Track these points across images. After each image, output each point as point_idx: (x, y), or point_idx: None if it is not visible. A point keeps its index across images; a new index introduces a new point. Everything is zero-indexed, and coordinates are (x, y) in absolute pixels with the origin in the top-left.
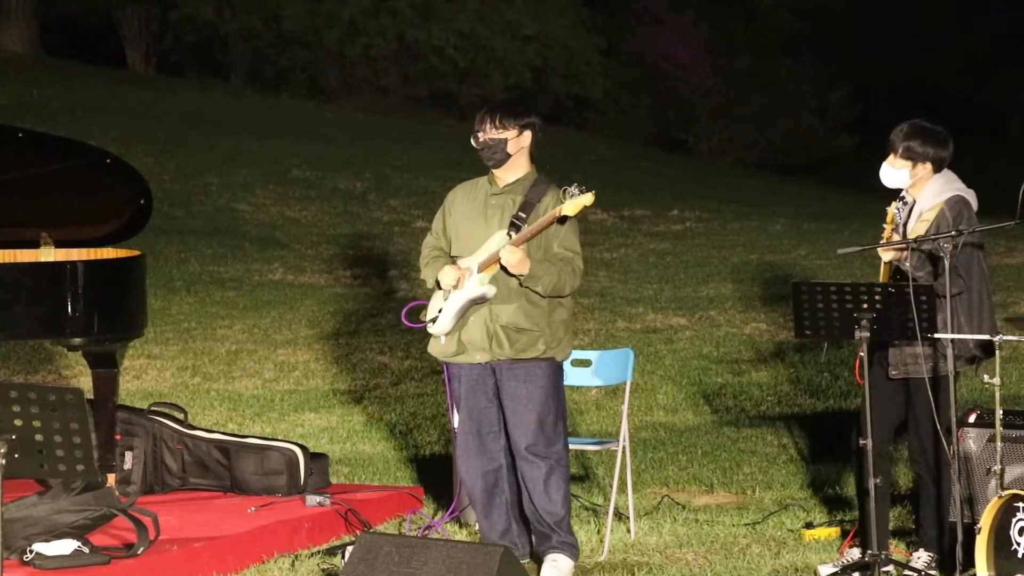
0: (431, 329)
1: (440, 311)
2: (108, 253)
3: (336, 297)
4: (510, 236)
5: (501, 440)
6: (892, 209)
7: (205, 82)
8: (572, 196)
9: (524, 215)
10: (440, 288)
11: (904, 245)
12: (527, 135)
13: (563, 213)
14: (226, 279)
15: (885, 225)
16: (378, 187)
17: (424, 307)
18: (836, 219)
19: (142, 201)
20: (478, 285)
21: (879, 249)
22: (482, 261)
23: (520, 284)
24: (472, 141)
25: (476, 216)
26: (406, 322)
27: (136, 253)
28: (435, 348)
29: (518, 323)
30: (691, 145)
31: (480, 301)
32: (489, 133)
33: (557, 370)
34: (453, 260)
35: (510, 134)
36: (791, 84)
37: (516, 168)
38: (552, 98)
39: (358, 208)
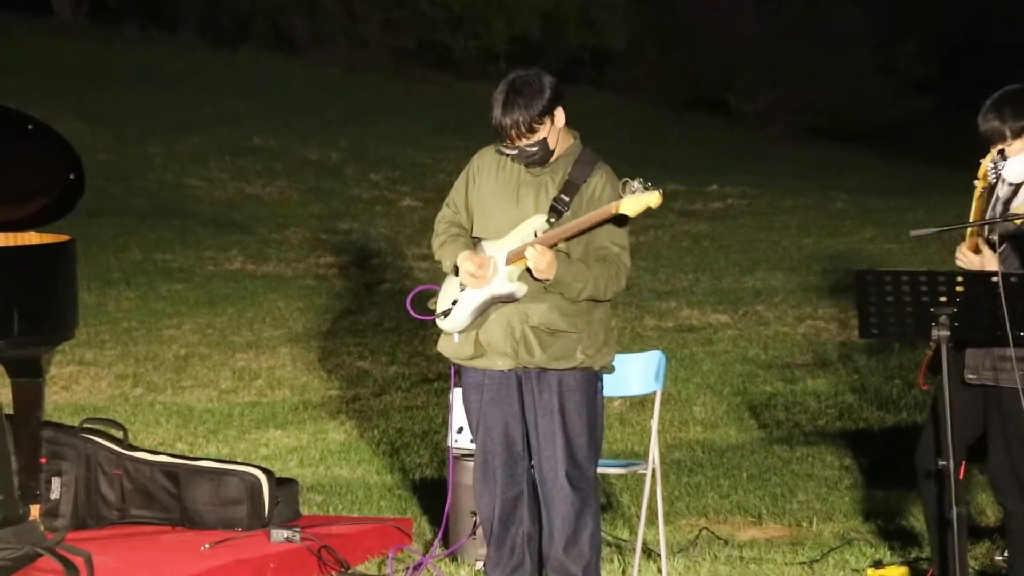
0: (442, 324)
1: (454, 303)
2: (31, 238)
3: (307, 290)
4: (550, 223)
5: (525, 462)
6: (986, 162)
7: (148, 33)
8: (633, 192)
9: (567, 198)
10: (457, 274)
11: (991, 227)
12: (559, 113)
13: (620, 211)
14: (174, 269)
15: (976, 181)
16: (356, 158)
17: (434, 294)
18: (908, 195)
19: (72, 176)
20: (505, 281)
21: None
22: (512, 251)
23: (546, 289)
24: (503, 148)
25: (507, 193)
26: (411, 312)
27: (65, 238)
28: (446, 347)
29: (552, 324)
30: (732, 107)
31: (506, 300)
32: (521, 142)
33: (596, 383)
34: (475, 242)
35: (544, 130)
36: (853, 33)
37: (558, 147)
38: (566, 51)
39: (332, 184)
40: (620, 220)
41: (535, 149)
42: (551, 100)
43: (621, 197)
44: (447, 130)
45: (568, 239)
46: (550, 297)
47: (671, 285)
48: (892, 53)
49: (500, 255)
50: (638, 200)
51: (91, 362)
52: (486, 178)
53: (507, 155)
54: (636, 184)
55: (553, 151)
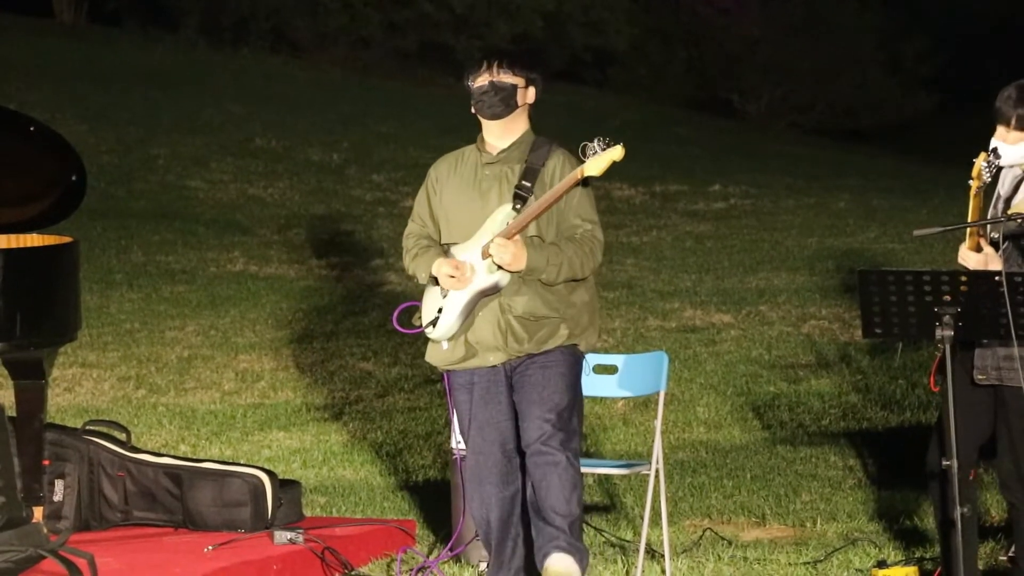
0: (431, 334)
1: (440, 311)
2: (33, 240)
3: (309, 292)
4: (517, 211)
5: (518, 460)
6: (980, 161)
7: (148, 34)
8: (595, 153)
9: (528, 183)
10: (436, 284)
11: (993, 225)
12: (532, 91)
13: (587, 174)
14: (176, 271)
15: (971, 181)
16: (359, 159)
17: (417, 309)
18: (912, 195)
19: (74, 177)
20: (486, 274)
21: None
22: (485, 245)
23: (521, 278)
24: (469, 83)
25: (469, 192)
26: (399, 328)
27: (67, 240)
28: (436, 356)
29: (535, 312)
30: (736, 106)
31: (491, 292)
32: (497, 75)
33: (578, 361)
34: (445, 250)
35: (519, 82)
36: (857, 32)
37: (514, 129)
38: (568, 51)
39: (334, 185)
40: (587, 195)
41: (503, 87)
42: (538, 67)
43: (583, 162)
44: (450, 131)
45: (538, 217)
46: (530, 286)
47: (674, 285)
48: (896, 52)
49: (474, 253)
50: (600, 159)
51: (93, 364)
52: (446, 184)
53: (472, 90)
54: (595, 145)
55: (517, 107)
